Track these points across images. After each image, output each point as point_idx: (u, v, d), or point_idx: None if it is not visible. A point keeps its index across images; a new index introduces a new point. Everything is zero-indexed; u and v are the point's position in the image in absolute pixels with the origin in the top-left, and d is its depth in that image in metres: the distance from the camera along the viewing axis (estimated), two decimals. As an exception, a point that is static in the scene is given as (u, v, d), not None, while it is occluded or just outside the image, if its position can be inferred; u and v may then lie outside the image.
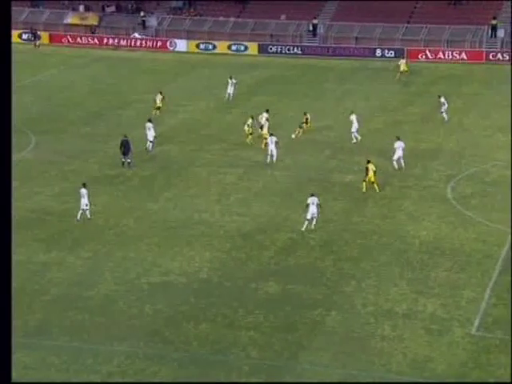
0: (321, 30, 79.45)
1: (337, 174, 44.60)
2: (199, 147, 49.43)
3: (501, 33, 74.41)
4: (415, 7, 78.75)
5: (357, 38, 77.72)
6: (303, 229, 36.90)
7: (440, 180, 43.47)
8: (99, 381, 26.26)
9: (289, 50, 77.83)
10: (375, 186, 41.06)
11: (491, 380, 26.33)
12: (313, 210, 36.95)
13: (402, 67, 66.53)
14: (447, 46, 74.25)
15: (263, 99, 56.55)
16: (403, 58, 69.85)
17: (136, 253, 35.20)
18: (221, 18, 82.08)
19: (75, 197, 38.89)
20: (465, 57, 72.23)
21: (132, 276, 33.10)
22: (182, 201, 41.29)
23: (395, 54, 74.58)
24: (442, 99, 53.10)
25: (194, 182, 44.01)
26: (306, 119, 50.86)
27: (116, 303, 30.97)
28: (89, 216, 38.09)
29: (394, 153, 44.33)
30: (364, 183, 41.14)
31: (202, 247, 35.79)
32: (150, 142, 47.84)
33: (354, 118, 49.34)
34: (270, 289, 32.14)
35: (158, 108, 54.67)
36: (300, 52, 77.49)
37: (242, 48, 78.67)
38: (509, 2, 76.14)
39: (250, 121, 49.43)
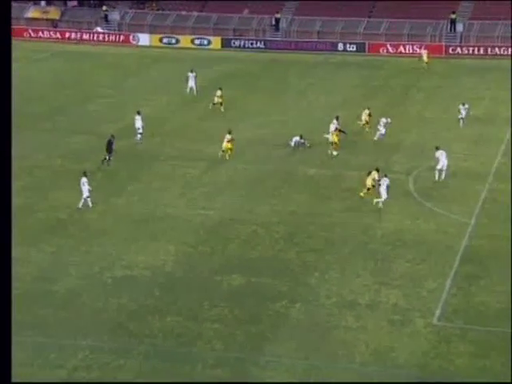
0: (283, 25, 79.53)
1: (300, 167, 44.70)
2: (163, 141, 49.27)
3: (460, 27, 75.07)
4: (376, 2, 79.07)
5: (319, 33, 77.92)
6: None
7: (402, 172, 43.77)
8: (64, 374, 26.10)
9: (252, 44, 77.82)
10: (368, 192, 39.55)
11: (451, 368, 26.61)
12: None
13: (425, 58, 67.24)
14: (408, 40, 74.72)
15: (227, 93, 56.43)
16: (425, 48, 70.01)
17: (100, 247, 35.00)
18: (183, 13, 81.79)
19: (38, 192, 38.59)
20: (424, 50, 72.64)
21: (96, 270, 32.92)
22: (146, 195, 41.12)
23: (357, 48, 74.96)
24: (461, 106, 51.40)
25: (158, 176, 43.85)
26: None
27: (80, 297, 30.79)
28: (90, 205, 38.08)
29: (437, 162, 42.25)
30: (367, 190, 39.72)
31: (167, 241, 35.69)
32: (140, 133, 48.05)
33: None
34: (235, 281, 32.16)
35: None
36: (263, 46, 77.51)
37: (205, 42, 78.48)
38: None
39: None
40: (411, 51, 73.48)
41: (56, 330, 28.48)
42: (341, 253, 34.67)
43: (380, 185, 39.02)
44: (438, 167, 41.92)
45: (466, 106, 51.21)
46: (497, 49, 71.51)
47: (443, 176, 42.07)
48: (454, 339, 28.22)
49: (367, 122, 49.60)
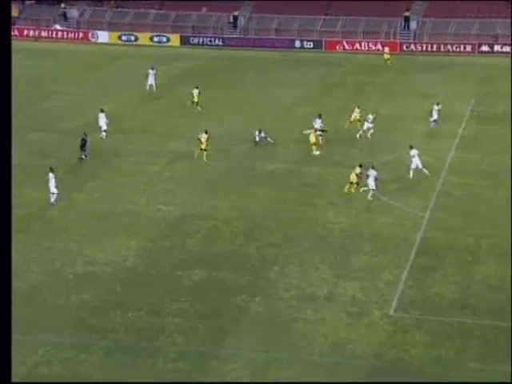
0: (241, 22, 79.52)
1: (261, 163, 44.77)
2: (124, 138, 49.02)
3: (413, 24, 75.75)
4: (332, 0, 79.36)
5: (276, 30, 78.05)
6: None
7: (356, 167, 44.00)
8: (25, 371, 25.90)
9: (210, 41, 77.71)
10: (352, 188, 39.71)
11: (406, 358, 26.90)
12: None
13: (387, 55, 67.91)
14: (363, 38, 75.20)
15: (185, 90, 56.32)
16: (386, 45, 70.53)
17: (61, 243, 34.76)
18: (142, 10, 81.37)
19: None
20: (380, 47, 73.27)
21: (57, 266, 32.70)
22: (107, 191, 40.92)
23: (314, 45, 75.26)
24: (435, 106, 50.36)
25: (119, 172, 43.64)
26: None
27: (41, 294, 30.57)
28: (52, 201, 38.06)
29: (411, 162, 42.19)
30: (349, 184, 39.94)
31: (128, 236, 35.56)
32: (104, 131, 47.77)
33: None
34: (196, 276, 32.16)
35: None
36: (221, 43, 77.45)
37: (164, 39, 78.19)
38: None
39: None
40: (367, 48, 73.96)
41: (17, 326, 28.18)
42: (300, 247, 34.84)
43: (368, 177, 39.17)
44: (413, 166, 41.93)
45: (440, 106, 50.18)
46: (449, 46, 72.27)
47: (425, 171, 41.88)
48: (409, 329, 28.54)
49: (359, 120, 49.13)
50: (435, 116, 49.85)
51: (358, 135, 48.38)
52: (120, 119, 52.62)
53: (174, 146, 47.42)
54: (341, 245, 35.01)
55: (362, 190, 39.39)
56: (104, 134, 48.10)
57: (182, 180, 42.51)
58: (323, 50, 74.76)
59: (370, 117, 48.67)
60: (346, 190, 39.83)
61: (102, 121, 48.37)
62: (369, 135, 48.33)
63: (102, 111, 48.78)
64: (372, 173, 39.45)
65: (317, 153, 45.65)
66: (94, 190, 40.97)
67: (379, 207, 38.87)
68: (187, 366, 26.39)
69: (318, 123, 47.25)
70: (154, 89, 59.51)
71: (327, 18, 77.78)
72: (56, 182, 38.55)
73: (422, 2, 77.67)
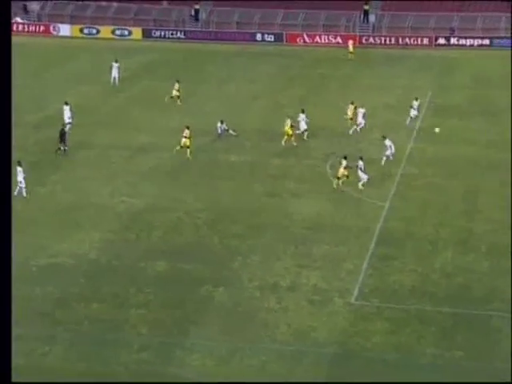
0: (203, 16, 79.22)
1: (225, 155, 44.69)
2: (86, 131, 48.59)
3: (372, 18, 76.09)
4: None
5: (237, 23, 77.88)
6: None
7: (319, 158, 44.20)
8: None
9: (172, 34, 77.29)
10: (339, 181, 39.55)
11: (368, 345, 27.09)
12: None
13: (351, 48, 67.75)
14: (323, 31, 75.36)
15: (148, 83, 56.01)
16: (350, 39, 70.50)
17: (25, 236, 34.37)
18: (103, 3, 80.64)
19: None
20: (340, 41, 73.50)
21: (20, 259, 32.31)
22: (70, 184, 40.57)
23: (275, 38, 75.24)
24: (414, 101, 49.86)
25: (82, 164, 43.30)
26: None
27: (5, 287, 30.20)
28: (15, 194, 37.42)
29: (386, 149, 42.60)
30: (336, 179, 39.78)
31: (92, 229, 35.31)
32: (68, 123, 47.29)
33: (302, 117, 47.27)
34: (160, 267, 32.05)
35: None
36: (183, 37, 77.08)
37: (126, 33, 77.59)
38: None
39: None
40: (327, 41, 74.12)
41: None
42: (263, 238, 34.88)
43: (358, 167, 39.32)
44: (387, 153, 42.45)
45: (419, 101, 49.57)
46: (407, 39, 72.69)
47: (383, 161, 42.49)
48: (370, 317, 28.75)
49: (351, 119, 48.76)
50: (415, 112, 49.03)
51: (350, 131, 47.76)
52: (84, 112, 52.11)
53: (137, 138, 47.14)
54: (303, 235, 35.11)
55: (360, 185, 39.24)
56: (69, 126, 47.63)
57: (146, 172, 42.28)
58: (284, 43, 74.77)
59: (362, 110, 48.26)
60: (334, 186, 39.56)
61: (67, 113, 47.88)
62: (358, 129, 47.95)
63: (67, 104, 48.31)
64: (360, 164, 39.62)
65: (294, 144, 45.54)
66: (57, 183, 40.61)
67: (341, 198, 39.03)
68: (151, 357, 26.32)
69: (301, 117, 47.00)
70: (117, 82, 59.08)
71: (288, 11, 77.74)
72: (23, 175, 38.08)
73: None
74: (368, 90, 57.37)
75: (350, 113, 48.94)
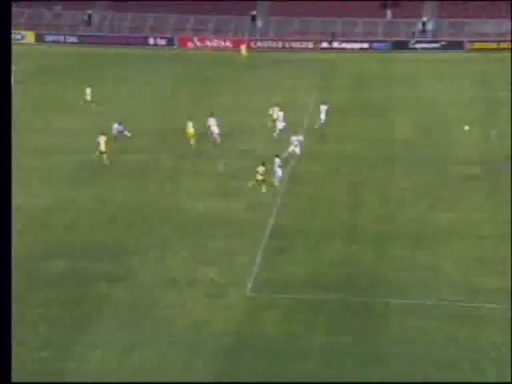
0: (96, 20, 78.01)
1: (119, 155, 44.05)
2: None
3: (259, 23, 76.71)
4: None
5: (130, 28, 77.08)
6: None
7: (213, 158, 44.18)
8: None
9: (65, 39, 75.81)
10: (259, 184, 38.99)
11: (262, 335, 27.27)
12: None
13: (244, 52, 67.73)
14: (213, 35, 75.41)
15: (42, 87, 54.74)
16: (243, 43, 70.21)
17: None
18: (-4, 8, 78.22)
19: None
20: (230, 44, 73.76)
21: None
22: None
23: (167, 42, 74.89)
24: (322, 106, 49.08)
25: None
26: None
27: None
28: None
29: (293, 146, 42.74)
30: (255, 182, 39.14)
31: (-12, 231, 34.17)
32: None
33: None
34: (58, 267, 31.38)
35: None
36: (77, 41, 75.72)
37: (19, 37, 75.52)
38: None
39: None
40: (217, 45, 74.26)
41: None
42: (160, 235, 34.61)
43: (274, 169, 39.29)
44: (291, 150, 42.73)
45: (327, 106, 48.91)
46: (293, 43, 73.59)
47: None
48: (264, 308, 28.94)
49: (274, 121, 47.71)
50: (322, 116, 48.71)
51: (275, 134, 47.16)
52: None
53: (32, 140, 45.97)
54: (198, 231, 35.04)
55: (275, 183, 39.18)
56: None
57: (42, 173, 41.30)
58: (175, 46, 74.52)
59: (280, 113, 47.96)
60: (249, 185, 39.11)
61: None
62: (277, 131, 47.49)
63: None
64: (276, 161, 39.73)
65: (193, 145, 45.22)
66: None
67: (234, 194, 39.14)
68: (51, 354, 25.74)
69: (211, 121, 46.32)
70: (13, 86, 57.35)
71: (179, 15, 77.47)
72: None
73: (266, 2, 78.76)
74: (257, 92, 57.80)
75: (272, 113, 48.15)
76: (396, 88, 58.53)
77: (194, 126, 45.67)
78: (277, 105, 48.92)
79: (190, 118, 46.16)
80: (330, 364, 25.76)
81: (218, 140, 45.83)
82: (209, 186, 40.12)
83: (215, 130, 46.15)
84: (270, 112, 48.36)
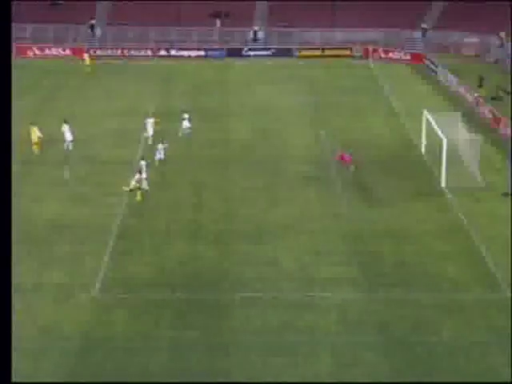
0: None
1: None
2: None
3: (98, 31, 75.64)
4: (18, 7, 76.34)
5: None
6: None
7: (56, 163, 43.17)
8: None
9: None
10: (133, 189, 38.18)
11: (112, 334, 27.03)
12: None
13: (88, 61, 65.97)
14: (53, 43, 73.55)
15: None
16: (86, 52, 68.47)
17: None
18: None
19: None
20: (69, 53, 72.26)
21: None
22: None
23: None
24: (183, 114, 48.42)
25: None
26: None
27: None
28: None
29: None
30: (138, 191, 38.30)
31: None
32: None
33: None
34: None
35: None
36: None
37: None
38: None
39: None
40: (56, 53, 72.49)
41: None
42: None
43: (142, 175, 38.64)
44: (158, 157, 42.65)
45: (188, 115, 48.28)
46: (132, 51, 73.02)
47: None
48: (113, 308, 28.74)
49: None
50: (187, 124, 48.12)
51: (180, 134, 47.19)
52: None
53: None
54: (45, 236, 34.19)
55: (145, 189, 38.54)
56: None
57: None
58: (15, 55, 72.02)
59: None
60: (126, 189, 38.29)
61: None
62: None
63: None
64: (143, 164, 39.47)
65: (36, 151, 44.10)
66: None
67: (79, 199, 38.44)
68: None
69: (65, 127, 45.13)
70: None
71: (18, 24, 74.84)
72: None
73: (102, 10, 77.77)
74: (99, 99, 57.00)
75: (149, 127, 46.59)
76: (232, 93, 59.49)
77: (37, 132, 44.43)
78: (153, 114, 48.43)
79: (33, 123, 44.91)
80: (178, 358, 25.95)
81: (71, 146, 44.89)
82: (54, 191, 39.17)
83: (68, 136, 45.27)
84: (149, 126, 46.97)
